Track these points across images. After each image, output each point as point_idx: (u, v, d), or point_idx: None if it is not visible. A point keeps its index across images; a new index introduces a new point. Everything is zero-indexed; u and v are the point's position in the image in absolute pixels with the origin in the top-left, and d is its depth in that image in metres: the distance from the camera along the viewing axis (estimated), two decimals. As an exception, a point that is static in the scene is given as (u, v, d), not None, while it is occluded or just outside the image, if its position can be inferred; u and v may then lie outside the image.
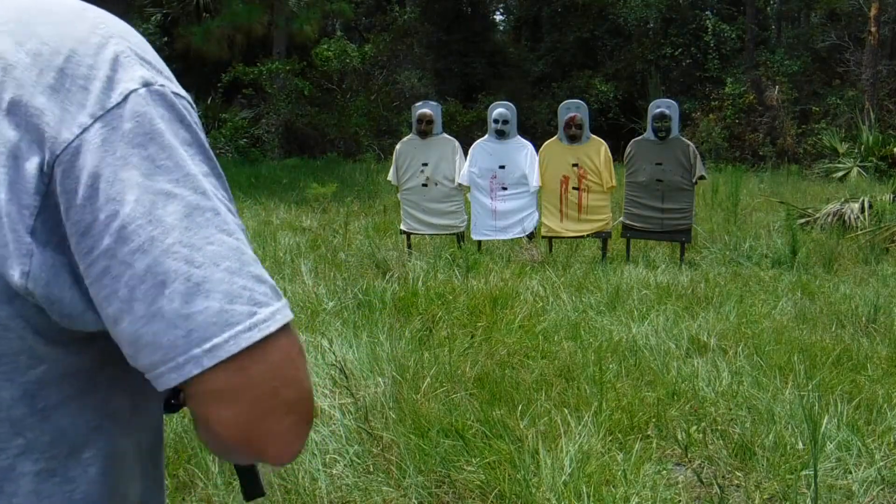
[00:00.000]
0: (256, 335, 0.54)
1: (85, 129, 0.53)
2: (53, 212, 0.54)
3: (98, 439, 0.61)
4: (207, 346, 0.53)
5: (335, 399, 3.04)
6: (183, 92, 0.60)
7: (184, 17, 16.80)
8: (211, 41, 16.14)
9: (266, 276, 0.58)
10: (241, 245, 0.56)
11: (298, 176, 13.12)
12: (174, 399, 0.66)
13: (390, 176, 7.08)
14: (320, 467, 2.52)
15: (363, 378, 3.25)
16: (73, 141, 0.53)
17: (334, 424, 2.82)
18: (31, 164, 0.53)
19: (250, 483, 0.69)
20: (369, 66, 19.02)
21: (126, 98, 0.55)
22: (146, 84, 0.57)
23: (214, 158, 0.60)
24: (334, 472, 2.54)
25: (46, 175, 0.53)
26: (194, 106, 0.61)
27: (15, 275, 0.52)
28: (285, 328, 0.57)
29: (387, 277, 5.32)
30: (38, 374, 0.57)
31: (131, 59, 0.57)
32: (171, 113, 0.57)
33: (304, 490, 2.41)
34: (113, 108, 0.54)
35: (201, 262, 0.53)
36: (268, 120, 17.25)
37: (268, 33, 17.37)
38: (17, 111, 0.53)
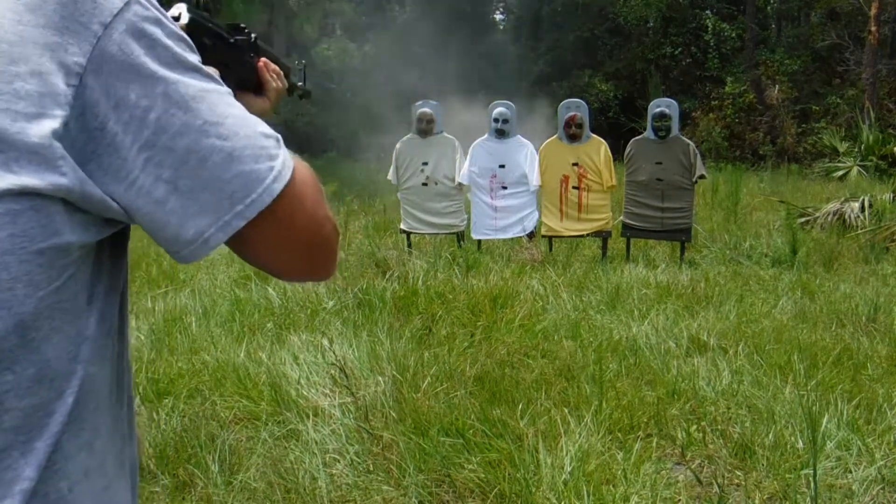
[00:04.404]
0: (281, 184, 0.64)
1: (99, 38, 0.58)
2: (80, 120, 0.58)
3: (76, 368, 0.61)
4: (248, 200, 0.63)
5: (335, 398, 3.04)
6: None
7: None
8: (211, 40, 16.09)
9: (269, 129, 0.67)
10: (243, 111, 0.65)
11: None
12: None
13: (390, 175, 7.08)
14: (320, 466, 2.52)
15: (363, 377, 3.25)
16: (93, 51, 0.58)
17: (334, 424, 2.82)
18: (60, 80, 0.57)
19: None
20: (369, 66, 19.02)
21: (128, 2, 0.61)
22: None
23: (187, 37, 0.66)
24: (334, 471, 2.54)
25: (73, 86, 0.57)
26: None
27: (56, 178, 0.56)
28: (294, 170, 0.67)
29: (387, 277, 5.32)
30: (33, 304, 0.57)
31: None
32: (158, 13, 0.63)
33: (304, 489, 2.41)
34: (119, 12, 0.60)
35: (227, 134, 0.62)
36: (267, 119, 17.27)
37: (268, 33, 17.37)
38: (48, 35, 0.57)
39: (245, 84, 1.10)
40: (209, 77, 0.65)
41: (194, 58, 0.65)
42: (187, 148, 0.60)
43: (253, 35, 1.12)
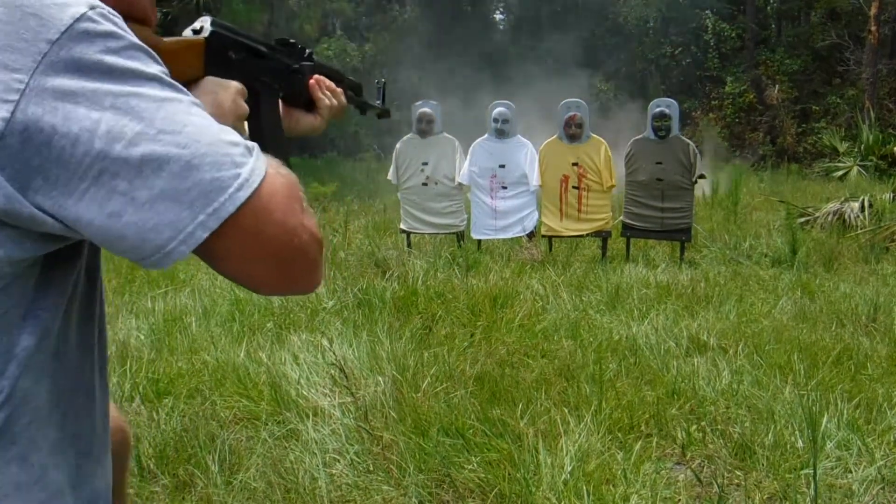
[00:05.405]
0: (247, 192, 0.62)
1: (44, 55, 0.57)
2: (22, 136, 0.57)
3: (2, 384, 0.61)
4: (210, 210, 0.60)
5: (335, 398, 3.04)
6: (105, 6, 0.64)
7: (184, 16, 16.81)
8: (211, 40, 16.11)
9: (237, 137, 0.65)
10: (208, 120, 0.63)
11: (298, 175, 12.96)
12: None
13: (390, 175, 7.08)
14: (320, 466, 2.52)
15: (363, 377, 3.25)
16: (37, 67, 0.57)
17: (334, 424, 2.82)
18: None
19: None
20: (369, 66, 19.03)
21: (78, 19, 0.59)
22: (91, 6, 0.61)
23: (148, 48, 0.65)
24: (334, 471, 2.54)
25: (12, 102, 0.56)
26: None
27: None
28: (264, 178, 0.64)
29: (387, 276, 5.32)
30: None
31: None
32: (113, 26, 0.62)
33: (304, 489, 2.41)
34: (67, 29, 0.58)
35: (185, 142, 0.60)
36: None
37: (268, 32, 17.38)
38: None
39: (293, 100, 1.07)
40: (170, 86, 0.63)
41: (154, 68, 0.63)
42: (142, 157, 0.58)
43: (307, 51, 1.08)
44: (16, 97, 0.56)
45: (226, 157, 0.62)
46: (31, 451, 0.63)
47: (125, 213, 0.59)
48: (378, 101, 1.39)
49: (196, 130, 0.61)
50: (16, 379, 0.62)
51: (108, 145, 0.58)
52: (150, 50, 0.64)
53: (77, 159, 0.58)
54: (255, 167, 0.64)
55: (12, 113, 0.56)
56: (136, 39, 0.63)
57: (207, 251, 0.63)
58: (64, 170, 0.58)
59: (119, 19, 0.63)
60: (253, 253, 0.65)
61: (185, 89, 0.65)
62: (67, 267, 0.67)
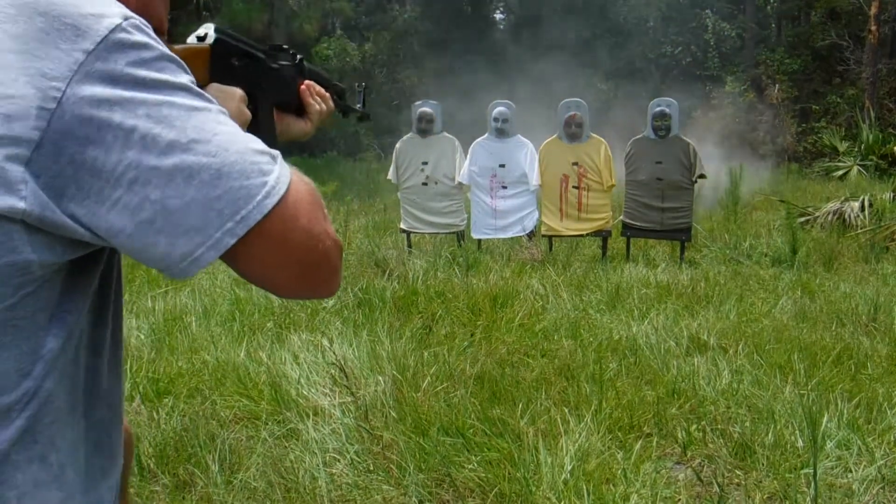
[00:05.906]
0: (273, 200, 0.63)
1: (80, 64, 0.58)
2: (57, 145, 0.58)
3: (28, 384, 0.62)
4: (238, 217, 0.62)
5: (335, 398, 3.04)
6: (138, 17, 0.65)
7: (184, 16, 16.81)
8: (211, 40, 16.09)
9: (262, 145, 0.66)
10: (235, 129, 0.65)
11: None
12: None
13: (390, 174, 7.08)
14: (320, 466, 2.52)
15: (363, 377, 3.25)
16: (73, 76, 0.58)
17: (334, 423, 2.82)
18: (34, 105, 0.57)
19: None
20: (369, 65, 19.03)
21: (113, 30, 0.60)
22: (125, 17, 0.62)
23: (178, 59, 0.66)
24: (334, 470, 2.54)
25: (49, 111, 0.57)
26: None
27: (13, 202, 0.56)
28: (290, 186, 0.66)
29: (387, 276, 5.32)
30: None
31: None
32: (146, 37, 0.63)
33: (305, 489, 2.41)
34: (102, 39, 0.60)
35: (215, 151, 0.61)
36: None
37: (268, 32, 17.38)
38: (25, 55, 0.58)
39: (285, 106, 1.09)
40: (199, 96, 0.64)
41: (184, 77, 0.64)
42: (174, 166, 0.59)
43: (298, 56, 1.10)
44: (53, 105, 0.57)
45: (253, 165, 0.63)
46: (51, 451, 0.64)
47: (156, 221, 0.60)
48: (359, 105, 1.41)
49: (225, 139, 0.62)
50: (42, 379, 0.62)
51: (141, 154, 0.59)
52: (179, 60, 0.65)
53: (110, 168, 0.58)
54: (280, 175, 0.65)
55: (49, 122, 0.57)
56: (166, 50, 0.64)
57: (234, 257, 0.64)
58: (97, 178, 0.58)
59: (150, 30, 0.64)
60: (278, 259, 0.66)
61: (211, 98, 0.66)
62: (91, 271, 0.68)
